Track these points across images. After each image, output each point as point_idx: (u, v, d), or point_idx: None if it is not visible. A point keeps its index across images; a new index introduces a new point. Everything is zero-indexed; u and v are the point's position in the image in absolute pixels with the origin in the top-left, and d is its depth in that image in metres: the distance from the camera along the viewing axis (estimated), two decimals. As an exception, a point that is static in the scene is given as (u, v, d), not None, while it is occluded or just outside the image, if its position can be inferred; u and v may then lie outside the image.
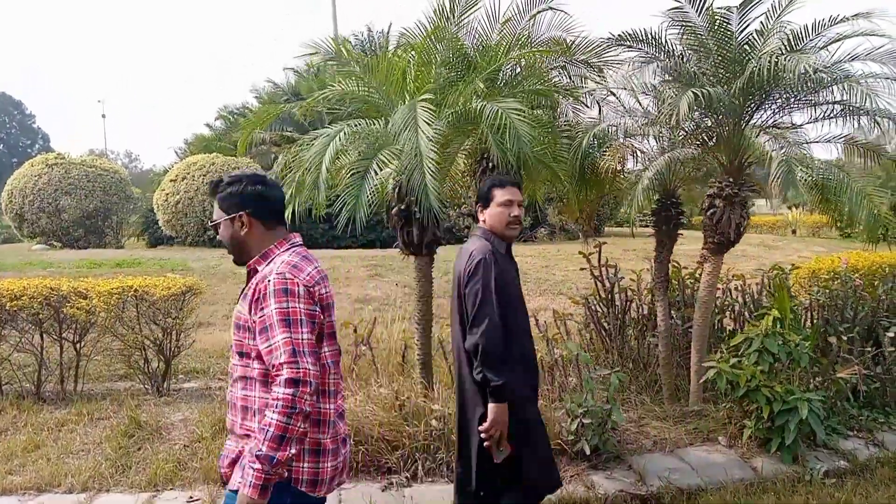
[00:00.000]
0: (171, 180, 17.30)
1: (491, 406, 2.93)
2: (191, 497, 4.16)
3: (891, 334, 5.14)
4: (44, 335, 6.01)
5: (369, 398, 4.77)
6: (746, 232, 5.10)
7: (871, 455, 4.53)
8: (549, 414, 4.61)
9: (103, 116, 56.55)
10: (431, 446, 4.34)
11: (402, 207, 4.64)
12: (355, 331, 5.80)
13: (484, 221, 3.25)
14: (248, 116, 23.37)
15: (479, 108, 4.24)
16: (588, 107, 5.84)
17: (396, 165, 4.63)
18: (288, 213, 4.58)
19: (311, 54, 4.71)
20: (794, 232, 26.30)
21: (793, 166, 4.30)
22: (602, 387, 4.56)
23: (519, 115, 4.11)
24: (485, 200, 3.24)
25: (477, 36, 5.42)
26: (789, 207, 30.91)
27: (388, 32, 23.57)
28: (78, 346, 6.10)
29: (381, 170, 4.64)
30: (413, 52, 4.93)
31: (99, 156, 26.48)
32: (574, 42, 5.61)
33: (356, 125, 4.46)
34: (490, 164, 5.62)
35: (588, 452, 4.26)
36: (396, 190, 4.64)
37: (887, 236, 17.70)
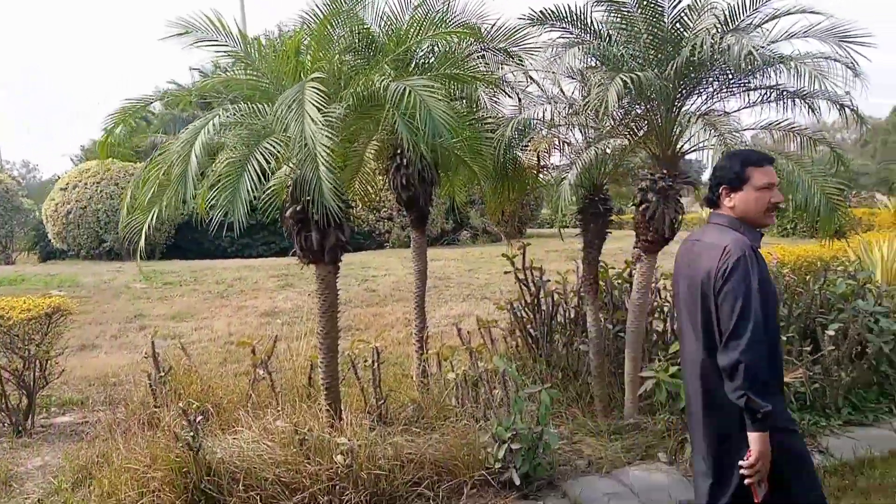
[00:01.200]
0: (61, 189, 15.88)
1: (755, 436, 2.38)
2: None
3: (830, 332, 4.87)
4: None
5: (265, 432, 4.09)
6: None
7: (818, 463, 4.19)
8: (472, 438, 4.07)
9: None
10: (337, 487, 3.68)
11: (299, 209, 3.97)
12: (253, 352, 5.09)
13: (732, 208, 2.61)
14: (152, 122, 21.97)
15: (382, 86, 3.63)
16: (510, 97, 5.36)
17: (293, 161, 3.98)
18: (151, 217, 3.83)
19: (181, 34, 3.95)
20: (708, 229, 26.91)
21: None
22: (531, 404, 4.04)
23: (432, 93, 3.53)
24: (736, 181, 2.59)
25: (386, 19, 4.86)
26: (701, 205, 31.77)
27: (298, 32, 22.63)
28: (-78, 379, 5.12)
29: (275, 167, 3.99)
30: (309, 33, 4.27)
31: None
32: (492, 27, 5.13)
33: (235, 110, 3.76)
34: (403, 161, 5.06)
35: (518, 482, 3.73)
36: (292, 189, 3.97)
37: (796, 229, 18.14)
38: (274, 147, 3.53)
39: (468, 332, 5.62)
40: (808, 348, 4.89)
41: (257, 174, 3.38)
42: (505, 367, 4.17)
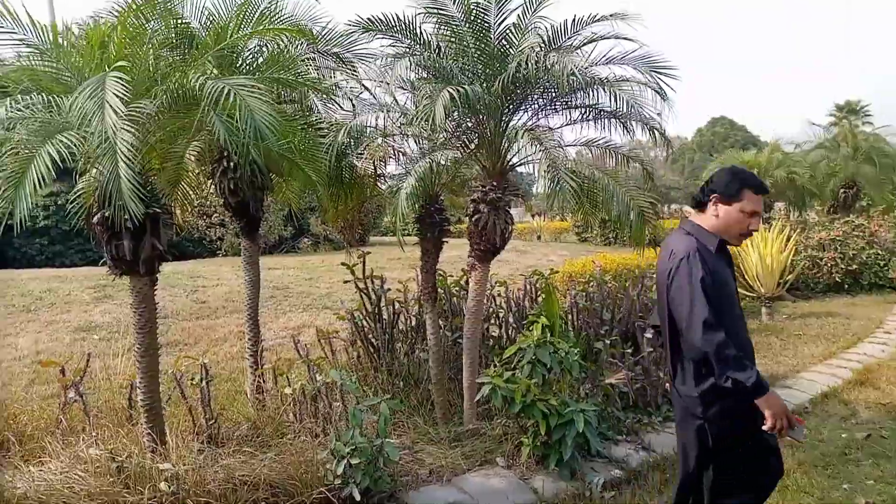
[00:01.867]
0: None
1: (761, 401, 2.58)
2: None
3: (648, 335, 5.28)
4: None
5: (77, 460, 3.69)
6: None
7: (642, 460, 4.51)
8: (311, 454, 3.93)
9: None
10: (160, 517, 3.40)
11: (107, 214, 3.62)
12: (62, 372, 4.58)
13: (716, 216, 2.78)
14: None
15: (198, 84, 3.41)
16: (341, 106, 5.28)
17: (96, 161, 3.60)
18: None
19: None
20: (539, 237, 28.57)
21: (561, 169, 4.11)
22: (371, 415, 3.99)
23: (253, 94, 3.37)
24: (729, 196, 2.75)
25: (207, 14, 4.59)
26: (532, 215, 33.62)
27: (105, 24, 20.89)
28: None
29: (70, 164, 3.57)
30: (116, 26, 3.91)
31: None
32: (324, 30, 5.03)
33: (26, 101, 3.35)
34: (230, 164, 4.81)
35: (358, 498, 3.65)
36: (98, 192, 3.60)
37: (617, 239, 19.69)
38: (70, 141, 3.16)
39: (308, 344, 5.46)
40: (630, 350, 5.27)
41: (48, 170, 3.01)
42: (342, 380, 4.07)
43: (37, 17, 3.76)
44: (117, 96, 2.91)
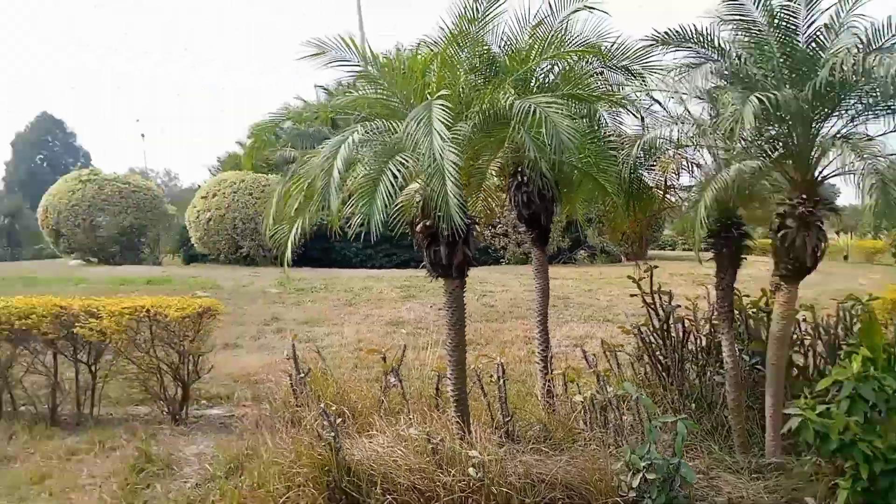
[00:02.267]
0: (201, 197, 17.19)
1: None
2: (196, 549, 3.69)
3: None
4: (57, 356, 5.67)
5: (399, 438, 4.26)
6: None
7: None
8: (603, 463, 4.03)
9: (142, 136, 57.42)
10: (470, 499, 3.78)
11: (428, 223, 4.13)
12: (384, 359, 5.31)
13: None
14: (281, 136, 23.29)
15: (508, 104, 3.73)
16: (635, 116, 5.31)
17: (422, 178, 4.15)
18: (297, 228, 4.12)
19: (315, 55, 4.23)
20: (845, 258, 25.16)
21: (888, 183, 3.68)
22: (665, 434, 3.96)
23: (556, 109, 3.59)
24: None
25: (505, 39, 4.96)
26: (837, 232, 29.61)
27: (416, 51, 23.29)
28: (93, 367, 5.73)
29: (404, 181, 4.14)
30: (435, 55, 4.46)
31: (135, 173, 26.66)
32: (613, 46, 5.11)
33: (370, 128, 3.98)
34: (524, 179, 5.12)
35: (651, 512, 3.66)
36: (422, 204, 4.14)
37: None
38: (405, 162, 3.70)
39: (593, 355, 5.58)
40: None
41: (392, 186, 3.57)
42: (638, 394, 4.10)
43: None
44: (441, 121, 3.34)
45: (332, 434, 3.88)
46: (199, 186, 23.62)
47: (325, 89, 22.71)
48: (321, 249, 16.54)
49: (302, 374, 5.19)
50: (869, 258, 24.15)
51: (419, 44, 4.60)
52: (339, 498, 3.83)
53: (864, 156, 3.76)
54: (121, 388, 6.43)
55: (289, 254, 4.22)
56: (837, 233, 30.24)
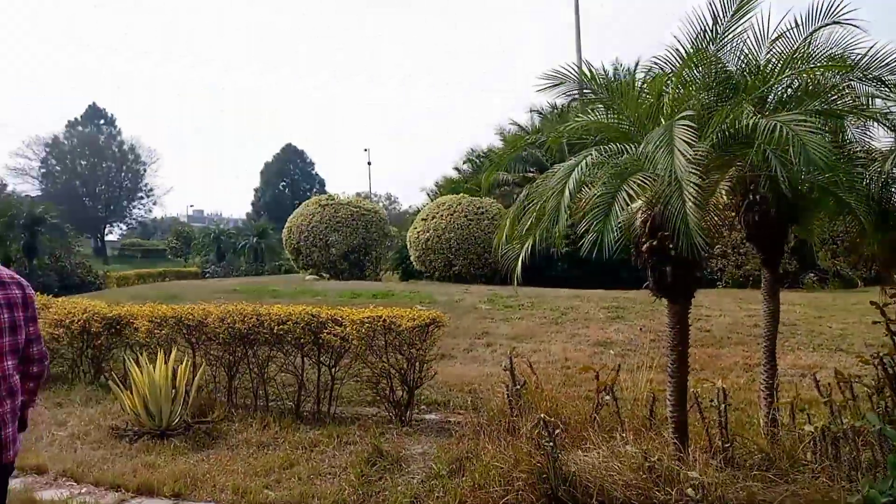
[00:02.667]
0: (422, 219, 18.41)
1: None
2: (425, 536, 4.06)
3: None
4: (304, 358, 6.50)
5: (613, 454, 4.31)
6: None
7: None
8: (835, 496, 3.76)
9: (369, 164, 62.62)
10: (687, 520, 3.74)
11: (655, 243, 4.16)
12: (597, 377, 5.38)
13: None
14: (494, 160, 24.24)
15: (751, 124, 3.66)
16: (890, 129, 4.87)
17: (648, 196, 4.20)
18: (527, 248, 4.37)
19: (555, 85, 4.49)
20: None
21: None
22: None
23: (804, 127, 3.46)
24: None
25: (742, 56, 4.83)
26: None
27: (634, 70, 22.91)
28: (333, 370, 6.49)
29: (630, 202, 4.24)
30: (669, 76, 4.50)
31: (363, 198, 29.36)
32: (864, 57, 4.73)
33: (603, 151, 4.13)
34: (756, 197, 4.93)
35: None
36: (648, 223, 4.18)
37: None
38: (640, 182, 3.79)
39: (825, 385, 5.16)
40: None
41: (626, 206, 3.68)
42: (881, 426, 3.77)
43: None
44: (685, 141, 3.40)
45: (550, 444, 4.06)
46: (418, 209, 25.38)
47: (539, 113, 23.32)
48: (532, 268, 16.92)
49: (518, 386, 5.43)
50: None
51: (649, 69, 4.69)
52: (555, 504, 3.98)
53: None
54: (353, 390, 7.20)
55: (519, 270, 4.50)
56: None
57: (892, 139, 4.89)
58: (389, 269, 23.43)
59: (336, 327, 6.12)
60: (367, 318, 6.09)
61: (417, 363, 6.20)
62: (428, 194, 28.86)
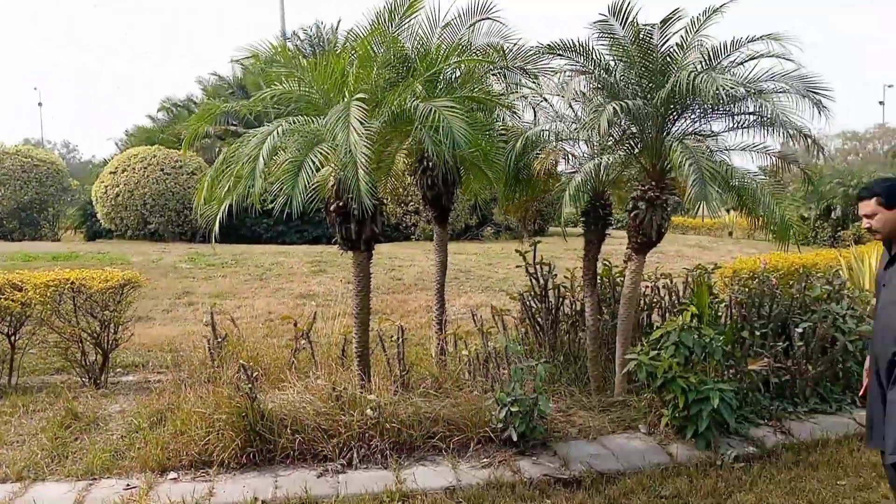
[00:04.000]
0: (110, 172, 16.93)
1: None
2: (128, 485, 4.21)
3: (799, 330, 5.53)
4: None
5: (307, 389, 4.90)
6: (685, 234, 5.45)
7: (778, 441, 4.89)
8: (479, 403, 4.83)
9: (39, 105, 54.51)
10: (366, 434, 4.50)
11: (341, 204, 4.77)
12: (295, 325, 5.90)
13: None
14: (194, 111, 23.01)
15: (412, 107, 4.42)
16: (524, 113, 6.11)
17: (334, 164, 4.78)
18: (224, 207, 4.68)
19: (249, 57, 4.81)
20: (730, 234, 27.35)
21: (705, 178, 4.58)
22: (531, 377, 4.79)
23: (453, 113, 4.30)
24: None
25: (417, 39, 5.63)
26: (727, 210, 32.04)
27: (336, 28, 23.50)
28: (13, 338, 6.03)
29: (321, 167, 4.76)
30: (353, 53, 5.08)
31: (34, 146, 25.59)
32: (511, 49, 5.88)
33: (293, 122, 4.59)
34: (429, 164, 5.84)
35: (515, 439, 4.49)
36: (335, 187, 4.77)
37: (810, 238, 18.63)
38: (325, 152, 4.34)
39: (484, 320, 6.37)
40: (782, 344, 5.56)
41: (312, 171, 4.21)
42: (507, 345, 4.92)
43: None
44: (358, 120, 3.99)
45: (249, 385, 4.48)
46: (102, 160, 23.01)
47: (241, 64, 22.55)
48: (231, 226, 16.72)
49: (219, 339, 5.70)
50: (749, 234, 26.37)
51: (345, 42, 5.16)
52: (254, 439, 4.44)
53: (690, 156, 4.65)
54: (35, 358, 6.73)
55: (216, 230, 4.75)
56: (728, 211, 32.73)
57: (531, 120, 6.13)
58: (71, 228, 21.06)
59: (16, 292, 5.69)
60: (53, 281, 5.77)
61: (112, 325, 6.07)
62: (117, 144, 26.32)
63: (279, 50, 4.73)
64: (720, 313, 5.99)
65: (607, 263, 6.56)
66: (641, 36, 4.91)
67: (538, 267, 6.54)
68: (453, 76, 5.82)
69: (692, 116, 5.21)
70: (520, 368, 4.70)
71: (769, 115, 4.71)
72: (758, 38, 4.64)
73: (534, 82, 5.94)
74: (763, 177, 5.29)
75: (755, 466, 4.50)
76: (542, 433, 4.72)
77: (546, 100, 5.83)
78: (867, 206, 3.38)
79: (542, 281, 6.49)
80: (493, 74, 6.06)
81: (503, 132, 5.83)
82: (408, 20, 5.38)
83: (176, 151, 17.11)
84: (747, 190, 5.01)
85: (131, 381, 6.43)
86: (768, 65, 4.86)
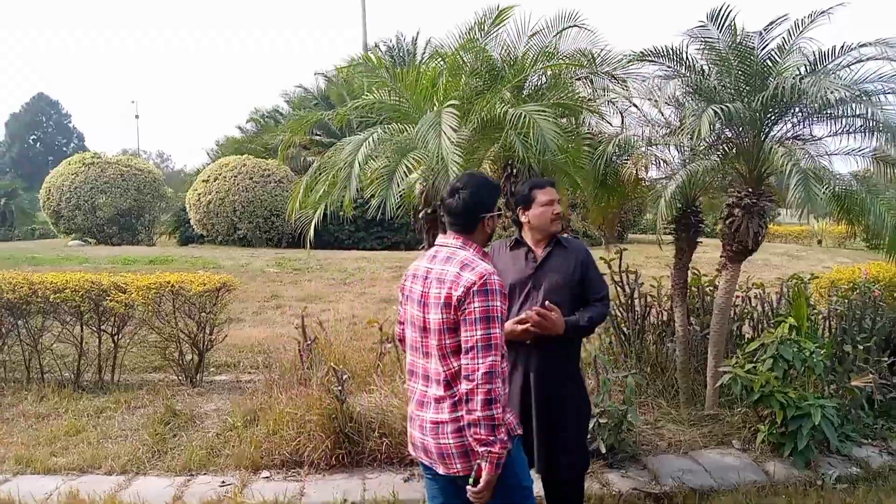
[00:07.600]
0: (203, 181, 17.75)
1: None
2: (223, 482, 4.38)
3: (909, 346, 5.21)
4: (84, 327, 6.31)
5: (393, 392, 4.96)
6: (771, 242, 5.23)
7: (885, 463, 4.60)
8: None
9: (137, 117, 57.27)
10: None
11: (429, 211, 4.83)
12: (381, 329, 6.00)
13: (528, 222, 3.47)
14: (280, 122, 23.85)
15: (503, 112, 4.43)
16: (612, 118, 6.01)
17: (423, 170, 4.84)
18: (319, 214, 4.82)
19: (345, 68, 4.96)
20: (819, 242, 26.01)
21: (810, 180, 4.39)
22: (619, 388, 4.70)
23: (543, 116, 4.29)
24: (525, 202, 3.47)
25: (504, 47, 5.62)
26: (816, 218, 30.45)
27: (416, 39, 23.85)
28: (116, 337, 6.39)
29: (409, 174, 4.83)
30: (442, 62, 5.14)
31: (132, 155, 27.18)
32: (598, 55, 5.80)
33: (386, 130, 4.68)
34: (514, 171, 5.81)
35: (604, 451, 4.40)
36: (423, 194, 4.83)
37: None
38: (417, 158, 4.41)
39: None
40: (887, 359, 5.23)
41: (404, 177, 4.30)
42: (596, 355, 4.83)
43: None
44: (450, 127, 4.03)
45: (339, 388, 4.58)
46: (194, 168, 24.15)
47: (325, 76, 23.30)
48: (313, 231, 17.22)
49: (309, 342, 5.86)
50: (840, 243, 25.00)
51: (433, 54, 5.26)
52: (343, 441, 4.54)
53: (793, 159, 4.46)
54: (136, 357, 7.10)
55: (311, 234, 4.91)
56: (816, 219, 31.16)
57: (619, 125, 6.03)
58: (165, 234, 22.20)
59: (120, 294, 6.03)
60: (154, 283, 6.08)
61: (208, 326, 6.34)
62: (208, 154, 27.59)
63: (374, 62, 4.84)
64: (818, 326, 5.70)
65: (696, 272, 6.35)
66: (740, 39, 4.75)
67: (624, 275, 6.41)
68: (540, 82, 5.80)
69: (792, 120, 4.98)
70: (608, 379, 4.60)
71: (880, 120, 4.45)
72: (869, 44, 4.41)
73: (623, 87, 5.84)
74: (857, 183, 5.01)
75: (860, 489, 4.24)
76: (631, 446, 4.61)
77: (635, 105, 5.70)
78: None
79: (628, 289, 6.35)
80: (579, 80, 6.00)
81: (589, 137, 5.75)
82: (496, 30, 5.40)
83: (264, 161, 17.78)
84: (853, 196, 4.74)
85: (224, 381, 6.69)
86: (873, 67, 4.62)
